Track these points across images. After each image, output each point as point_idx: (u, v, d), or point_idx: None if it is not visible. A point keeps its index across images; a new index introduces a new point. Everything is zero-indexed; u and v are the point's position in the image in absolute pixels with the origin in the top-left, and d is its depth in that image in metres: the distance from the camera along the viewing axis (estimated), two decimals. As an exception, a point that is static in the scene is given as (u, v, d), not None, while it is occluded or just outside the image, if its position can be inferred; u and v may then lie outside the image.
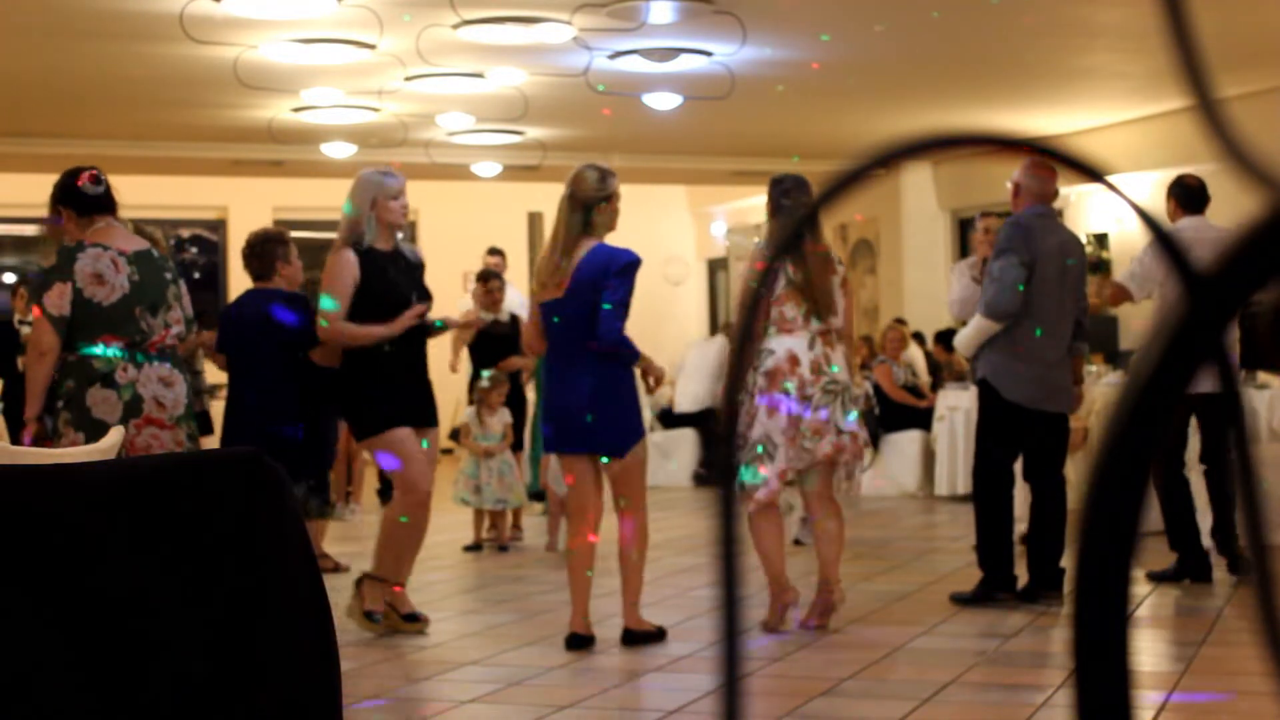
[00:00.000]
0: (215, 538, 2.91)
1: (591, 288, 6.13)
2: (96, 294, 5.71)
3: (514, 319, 10.13)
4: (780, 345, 6.43)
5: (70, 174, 5.90)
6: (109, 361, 5.72)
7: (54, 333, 5.72)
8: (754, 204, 14.45)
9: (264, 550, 2.92)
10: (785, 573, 6.51)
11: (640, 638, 6.21)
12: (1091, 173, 0.91)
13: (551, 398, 6.30)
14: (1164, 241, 0.86)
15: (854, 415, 6.54)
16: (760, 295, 0.99)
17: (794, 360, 6.42)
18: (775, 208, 6.65)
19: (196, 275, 17.59)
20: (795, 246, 5.30)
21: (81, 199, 5.84)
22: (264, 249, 7.38)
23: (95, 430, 5.64)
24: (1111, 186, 0.93)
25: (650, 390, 6.51)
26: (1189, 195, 7.76)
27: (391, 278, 6.51)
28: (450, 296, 14.68)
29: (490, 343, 10.08)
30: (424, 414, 6.60)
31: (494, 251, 12.02)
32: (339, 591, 7.71)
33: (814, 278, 6.44)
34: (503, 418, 9.46)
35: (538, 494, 10.34)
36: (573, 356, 6.20)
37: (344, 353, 6.58)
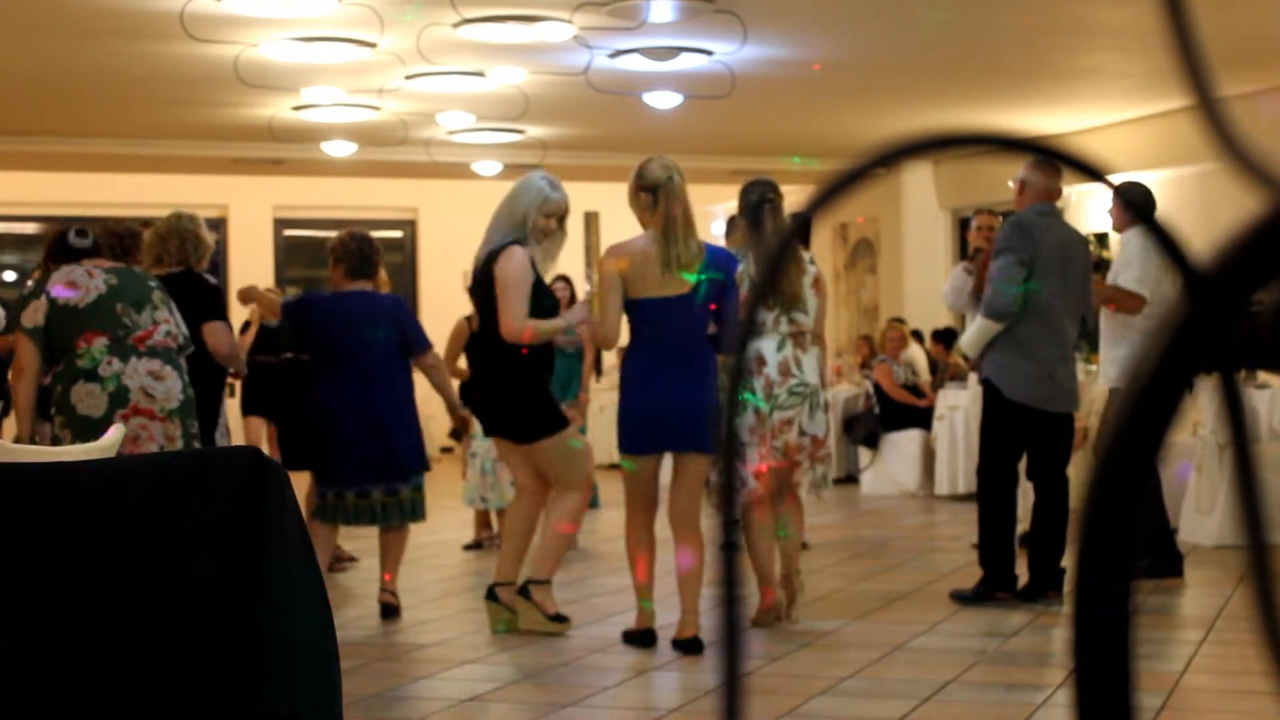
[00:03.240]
0: (216, 537, 2.91)
1: (711, 284, 6.14)
2: (71, 299, 5.71)
3: None
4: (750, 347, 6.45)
5: (59, 232, 5.98)
6: (93, 358, 5.68)
7: (32, 347, 5.71)
8: (754, 203, 14.54)
9: (264, 550, 2.92)
10: (774, 573, 6.57)
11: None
12: (1093, 172, 0.91)
13: (671, 397, 6.11)
14: (1166, 240, 0.86)
15: (820, 419, 6.58)
16: (755, 306, 0.99)
17: (761, 361, 6.49)
18: (741, 207, 6.68)
19: (197, 274, 17.59)
20: (780, 262, 5.29)
21: (69, 252, 5.89)
22: (370, 248, 7.13)
23: (83, 427, 5.60)
24: (1113, 186, 0.93)
25: None
26: (1140, 204, 7.68)
27: (540, 279, 6.43)
28: (452, 295, 14.68)
29: None
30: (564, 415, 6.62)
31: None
32: (367, 583, 7.72)
33: (785, 273, 6.45)
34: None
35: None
36: (694, 354, 6.16)
37: (493, 359, 6.38)
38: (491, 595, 6.52)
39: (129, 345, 5.71)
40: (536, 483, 6.51)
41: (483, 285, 6.39)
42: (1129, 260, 7.53)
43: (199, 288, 6.73)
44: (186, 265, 6.80)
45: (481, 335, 6.52)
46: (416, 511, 7.08)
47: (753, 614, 6.50)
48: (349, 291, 7.07)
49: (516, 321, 6.22)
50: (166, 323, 5.83)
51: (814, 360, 6.60)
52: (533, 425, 6.38)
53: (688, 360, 6.14)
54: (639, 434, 6.15)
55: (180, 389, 5.78)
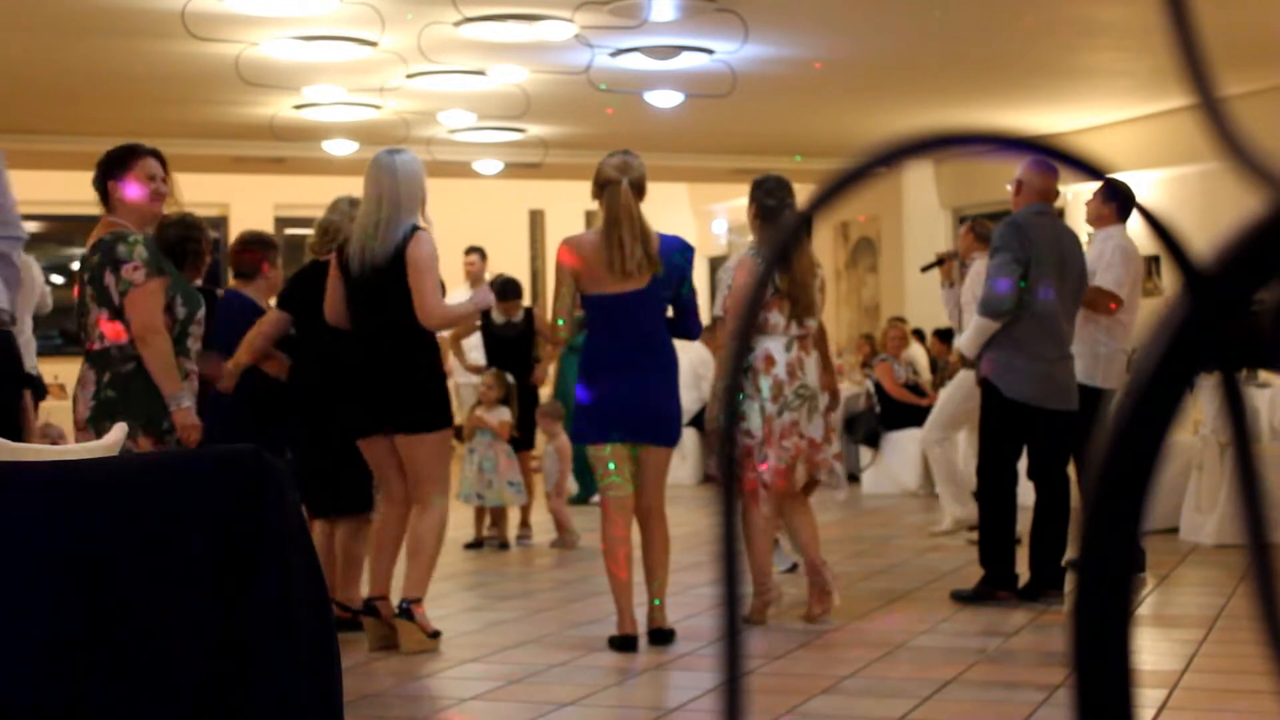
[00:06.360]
0: (215, 535, 2.91)
1: (669, 275, 6.17)
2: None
3: (529, 315, 10.09)
4: (759, 345, 6.57)
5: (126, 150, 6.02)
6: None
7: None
8: (755, 202, 14.62)
9: (264, 549, 2.92)
10: (770, 571, 6.69)
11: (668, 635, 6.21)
12: (1094, 172, 0.91)
13: (631, 390, 6.12)
14: (1168, 240, 0.86)
15: (818, 423, 6.61)
16: (756, 302, 0.99)
17: (770, 360, 6.55)
18: (760, 210, 6.72)
19: (198, 272, 17.61)
20: (790, 253, 5.31)
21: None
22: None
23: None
24: (1108, 182, 0.93)
25: None
26: (1124, 202, 7.69)
27: None
28: (451, 295, 14.68)
29: (503, 344, 10.01)
30: None
31: (473, 250, 11.99)
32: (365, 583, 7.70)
33: (800, 281, 6.54)
34: (499, 415, 9.40)
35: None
36: (651, 348, 6.19)
37: (409, 344, 6.08)
38: (370, 610, 6.20)
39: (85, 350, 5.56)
40: (406, 491, 6.23)
41: (387, 273, 6.04)
42: (1110, 260, 7.53)
43: None
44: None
45: (387, 322, 6.09)
46: None
47: (746, 611, 6.53)
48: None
49: (438, 305, 6.04)
50: (103, 308, 5.54)
51: (814, 363, 6.69)
52: (441, 413, 6.17)
53: (643, 353, 6.18)
54: (589, 423, 6.21)
55: (93, 394, 5.39)
